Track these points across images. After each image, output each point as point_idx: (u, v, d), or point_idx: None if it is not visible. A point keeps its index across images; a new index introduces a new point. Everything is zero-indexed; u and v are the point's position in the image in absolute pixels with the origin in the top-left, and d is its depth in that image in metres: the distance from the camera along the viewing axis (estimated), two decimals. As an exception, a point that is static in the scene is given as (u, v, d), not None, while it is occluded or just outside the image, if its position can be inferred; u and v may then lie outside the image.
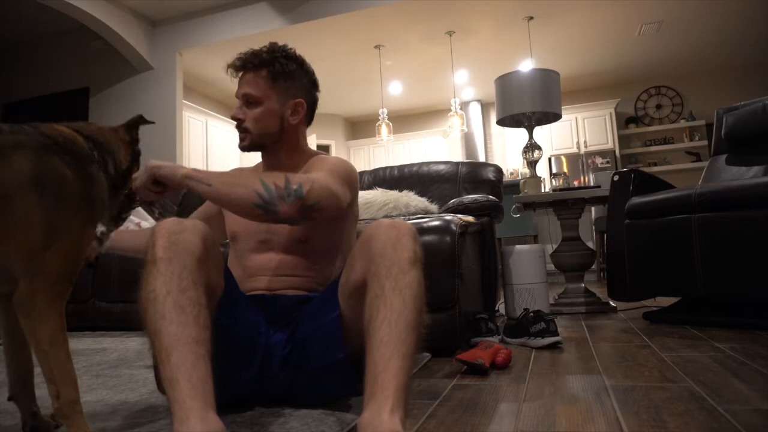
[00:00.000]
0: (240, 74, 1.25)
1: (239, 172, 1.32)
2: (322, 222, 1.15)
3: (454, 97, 5.90)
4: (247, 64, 1.24)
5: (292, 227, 1.20)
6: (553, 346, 1.76)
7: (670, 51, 6.18)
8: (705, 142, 6.61)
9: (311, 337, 1.07)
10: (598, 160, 6.74)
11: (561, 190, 3.08)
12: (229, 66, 1.25)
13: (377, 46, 5.69)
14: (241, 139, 1.26)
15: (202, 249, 0.92)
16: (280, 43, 1.28)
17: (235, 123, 1.25)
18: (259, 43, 1.27)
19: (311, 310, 1.13)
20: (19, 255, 0.79)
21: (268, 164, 1.30)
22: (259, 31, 4.96)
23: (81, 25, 4.94)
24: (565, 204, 2.89)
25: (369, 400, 0.84)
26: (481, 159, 7.49)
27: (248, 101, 1.23)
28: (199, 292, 0.89)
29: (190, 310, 0.86)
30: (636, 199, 2.35)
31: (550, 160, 6.88)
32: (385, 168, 2.75)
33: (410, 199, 2.31)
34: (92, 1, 4.70)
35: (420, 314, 0.92)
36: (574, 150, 6.90)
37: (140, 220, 2.47)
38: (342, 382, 1.06)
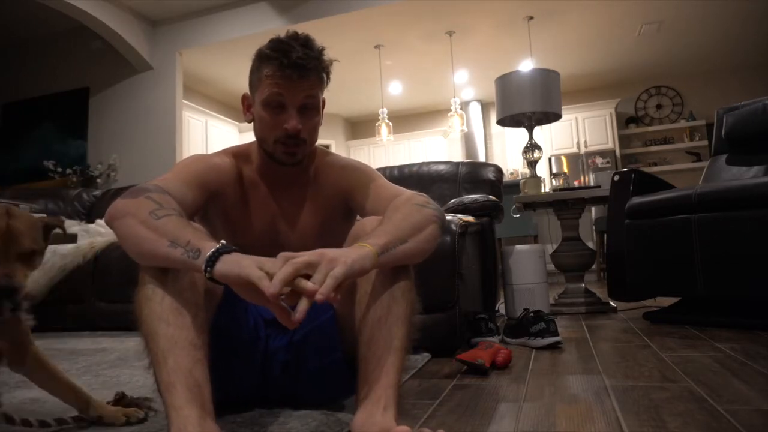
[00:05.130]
0: (295, 76, 1.02)
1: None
2: (342, 233, 1.07)
3: (454, 97, 5.90)
4: (312, 69, 1.04)
5: (308, 243, 1.04)
6: (553, 346, 1.76)
7: (670, 51, 6.18)
8: (705, 142, 6.60)
9: (309, 337, 1.06)
10: (598, 160, 6.73)
11: (561, 190, 3.08)
12: (286, 67, 1.01)
13: (377, 46, 5.68)
14: (293, 153, 1.07)
15: None
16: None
17: (285, 134, 1.04)
18: (259, 42, 1.09)
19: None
20: None
21: (281, 171, 1.12)
22: (259, 30, 4.96)
23: (81, 25, 4.94)
24: (565, 204, 2.89)
25: (361, 400, 0.84)
26: (481, 159, 7.48)
27: (306, 108, 1.06)
28: (197, 294, 0.86)
29: (188, 311, 0.83)
30: (636, 199, 2.34)
31: (550, 160, 6.88)
32: (385, 168, 2.74)
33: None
34: (92, 1, 4.70)
35: (411, 308, 0.91)
36: (574, 150, 6.89)
37: None
38: (341, 382, 1.05)
